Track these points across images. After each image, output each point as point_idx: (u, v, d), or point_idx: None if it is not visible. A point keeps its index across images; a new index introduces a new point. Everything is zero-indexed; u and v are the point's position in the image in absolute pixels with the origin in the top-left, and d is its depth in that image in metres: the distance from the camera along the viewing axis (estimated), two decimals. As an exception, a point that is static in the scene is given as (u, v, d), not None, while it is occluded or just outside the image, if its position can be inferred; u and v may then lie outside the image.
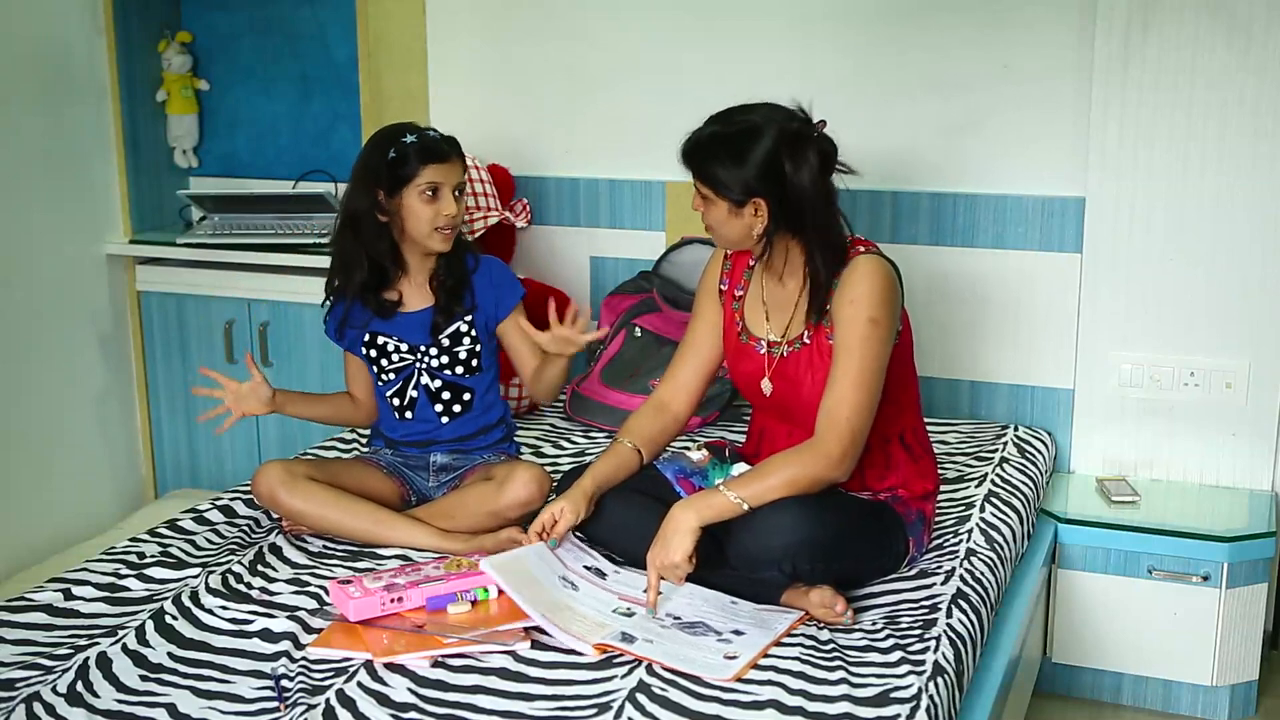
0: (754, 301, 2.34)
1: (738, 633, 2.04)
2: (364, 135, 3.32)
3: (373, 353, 2.58)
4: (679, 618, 2.08)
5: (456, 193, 2.48)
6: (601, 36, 3.45)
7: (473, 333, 2.57)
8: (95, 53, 3.50)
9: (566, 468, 2.70)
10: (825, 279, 2.20)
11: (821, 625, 2.10)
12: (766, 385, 2.31)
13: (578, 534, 2.30)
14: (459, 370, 2.57)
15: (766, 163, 2.13)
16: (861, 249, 2.23)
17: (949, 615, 2.10)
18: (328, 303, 2.60)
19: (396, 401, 2.59)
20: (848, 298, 2.17)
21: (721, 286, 2.39)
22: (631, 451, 2.34)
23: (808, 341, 2.24)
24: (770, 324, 2.31)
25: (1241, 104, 2.85)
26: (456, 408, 2.59)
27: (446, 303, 2.54)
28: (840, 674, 1.90)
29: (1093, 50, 2.96)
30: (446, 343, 2.56)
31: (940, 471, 2.64)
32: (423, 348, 2.56)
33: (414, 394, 2.58)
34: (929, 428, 2.97)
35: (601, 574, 2.23)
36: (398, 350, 2.57)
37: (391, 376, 2.58)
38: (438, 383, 2.57)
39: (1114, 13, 2.90)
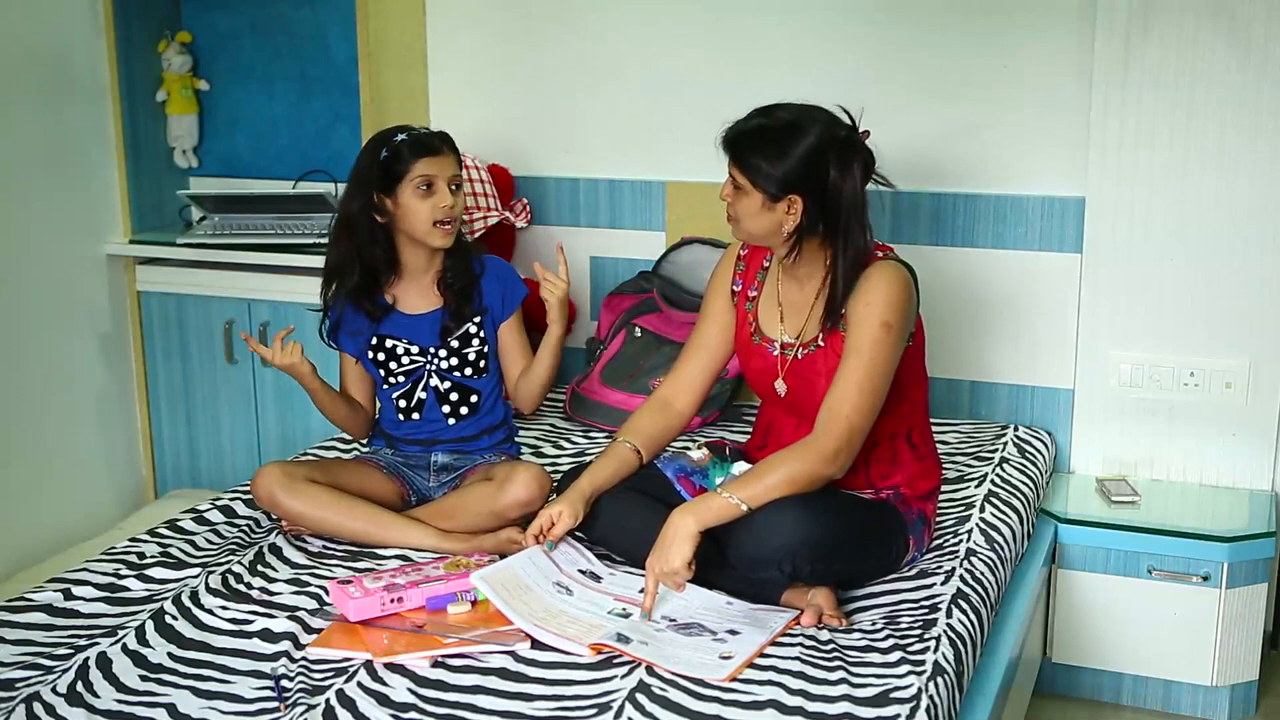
0: (769, 303, 2.34)
1: (733, 632, 2.04)
2: (364, 135, 3.31)
3: (380, 355, 2.58)
4: (673, 619, 2.08)
5: (453, 186, 2.48)
6: (602, 36, 3.45)
7: (482, 334, 2.58)
8: (95, 53, 3.50)
9: (566, 468, 2.70)
10: (844, 288, 2.19)
11: (820, 625, 2.10)
12: (780, 386, 2.31)
13: (574, 536, 2.30)
14: (468, 372, 2.58)
15: (809, 161, 2.13)
16: (880, 254, 2.23)
17: (949, 615, 2.10)
18: (322, 311, 2.55)
19: (403, 404, 2.59)
20: (863, 300, 2.18)
21: (735, 287, 2.39)
22: (631, 452, 2.33)
23: (822, 344, 2.24)
24: (785, 325, 2.31)
25: (1241, 104, 2.85)
26: (464, 409, 2.59)
27: (457, 306, 2.55)
28: (840, 674, 1.90)
29: (1093, 51, 2.96)
30: (456, 344, 2.56)
31: (942, 473, 2.64)
32: (433, 349, 2.56)
33: (422, 395, 2.58)
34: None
35: (596, 577, 2.23)
36: (408, 353, 2.56)
37: (401, 379, 2.58)
38: (446, 384, 2.57)
39: (1114, 14, 2.90)
